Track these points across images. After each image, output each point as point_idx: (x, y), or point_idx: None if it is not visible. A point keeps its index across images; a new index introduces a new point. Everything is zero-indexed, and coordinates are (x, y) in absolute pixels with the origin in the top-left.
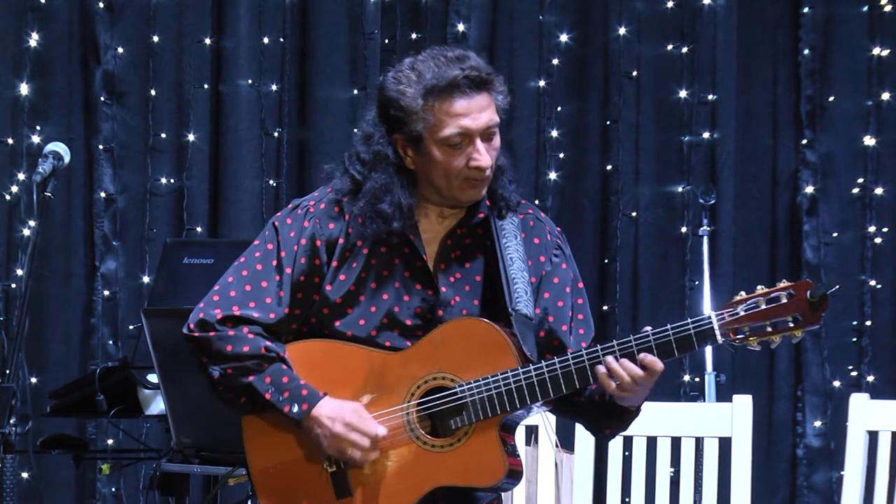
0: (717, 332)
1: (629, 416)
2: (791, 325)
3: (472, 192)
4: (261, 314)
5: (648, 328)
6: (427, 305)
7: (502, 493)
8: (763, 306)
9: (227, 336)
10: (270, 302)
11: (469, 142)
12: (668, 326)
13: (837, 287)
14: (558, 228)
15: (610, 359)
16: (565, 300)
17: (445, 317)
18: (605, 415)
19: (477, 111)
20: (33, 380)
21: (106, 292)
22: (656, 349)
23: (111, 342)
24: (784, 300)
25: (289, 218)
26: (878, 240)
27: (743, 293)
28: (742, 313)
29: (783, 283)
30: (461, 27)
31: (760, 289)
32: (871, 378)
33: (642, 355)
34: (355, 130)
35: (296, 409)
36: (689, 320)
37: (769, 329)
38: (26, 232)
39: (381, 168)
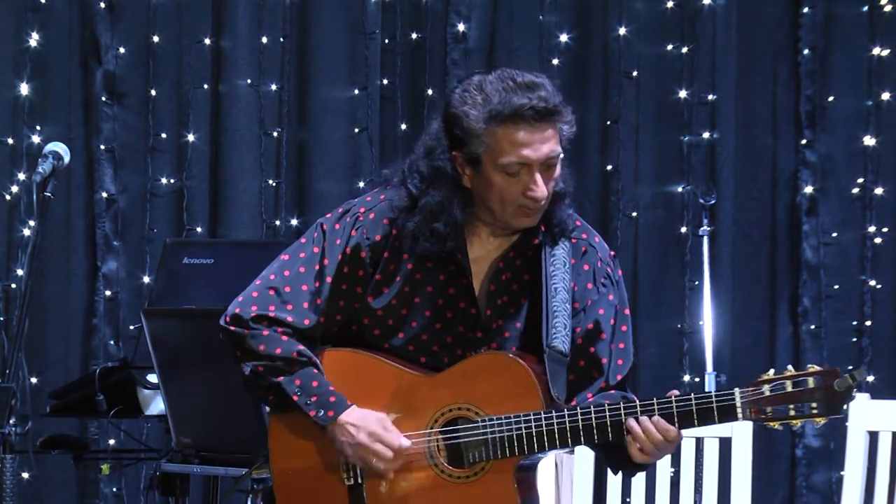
0: (739, 410)
1: (645, 466)
2: (815, 411)
3: (525, 220)
4: (295, 318)
5: (675, 392)
6: (468, 324)
7: None
8: (789, 389)
9: (261, 336)
10: (307, 307)
11: (528, 171)
12: (693, 396)
13: (865, 378)
14: (611, 253)
15: (631, 421)
16: (608, 332)
17: (485, 338)
18: (622, 462)
19: (539, 142)
20: (33, 380)
21: (107, 292)
22: (677, 416)
23: (112, 342)
24: (811, 385)
25: (337, 223)
26: (878, 240)
27: (771, 372)
28: (767, 393)
29: (812, 368)
30: (461, 27)
31: (789, 370)
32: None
33: (656, 418)
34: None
35: (322, 413)
36: (714, 393)
37: (791, 413)
38: (26, 232)
39: (440, 185)
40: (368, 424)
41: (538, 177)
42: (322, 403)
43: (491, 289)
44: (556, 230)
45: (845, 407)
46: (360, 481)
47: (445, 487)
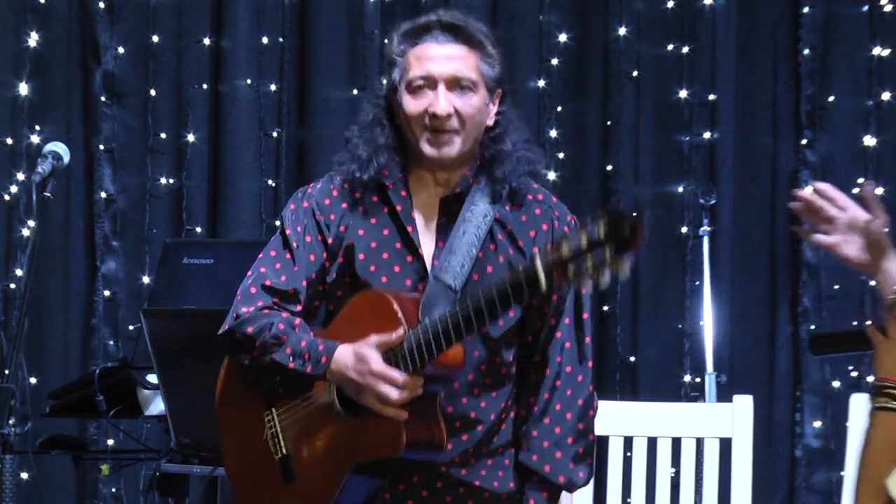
0: (543, 278)
1: None
2: (609, 256)
3: (435, 145)
4: (277, 283)
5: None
6: (416, 277)
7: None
8: (584, 244)
9: (246, 318)
10: (286, 279)
11: (433, 89)
12: (507, 277)
13: (646, 213)
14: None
15: None
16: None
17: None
18: None
19: (445, 58)
20: (33, 380)
21: (107, 292)
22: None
23: (111, 342)
24: (603, 234)
25: (293, 204)
26: None
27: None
28: (566, 254)
29: (601, 212)
30: None
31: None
32: (871, 378)
33: None
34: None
35: (314, 367)
36: (520, 266)
37: (590, 264)
38: (26, 232)
39: (379, 118)
40: (363, 365)
41: (442, 91)
42: (313, 358)
43: (440, 245)
44: (499, 188)
45: (636, 241)
46: (286, 452)
47: (349, 433)
